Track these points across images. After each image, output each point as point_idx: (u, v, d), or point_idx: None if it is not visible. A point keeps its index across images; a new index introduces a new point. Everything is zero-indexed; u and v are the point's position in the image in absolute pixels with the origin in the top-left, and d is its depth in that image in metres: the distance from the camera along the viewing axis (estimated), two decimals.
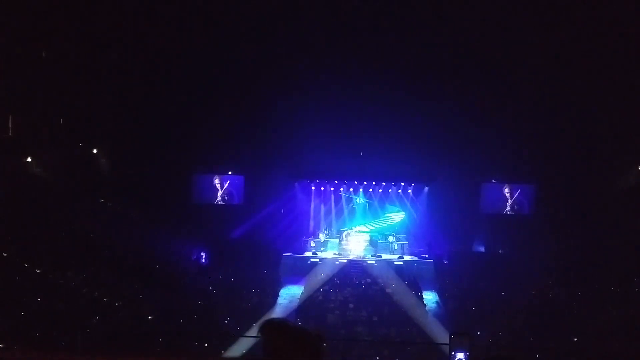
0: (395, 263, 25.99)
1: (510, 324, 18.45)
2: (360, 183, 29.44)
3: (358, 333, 18.49)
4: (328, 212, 29.74)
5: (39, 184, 22.76)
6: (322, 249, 27.75)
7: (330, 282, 23.16)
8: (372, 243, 27.92)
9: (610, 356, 14.37)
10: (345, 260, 25.98)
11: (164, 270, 21.92)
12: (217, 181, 28.67)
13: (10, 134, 22.68)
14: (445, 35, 23.98)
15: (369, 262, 26.04)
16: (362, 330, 18.73)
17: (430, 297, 23.07)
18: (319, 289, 22.28)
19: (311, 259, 26.27)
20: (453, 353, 9.87)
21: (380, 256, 26.79)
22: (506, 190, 28.04)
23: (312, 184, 29.52)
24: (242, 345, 15.17)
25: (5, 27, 20.46)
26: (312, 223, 29.65)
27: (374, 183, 29.45)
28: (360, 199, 29.60)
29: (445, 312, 21.23)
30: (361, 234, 28.41)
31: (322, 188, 29.64)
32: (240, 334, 16.36)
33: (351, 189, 29.64)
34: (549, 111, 25.04)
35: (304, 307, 20.74)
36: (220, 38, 24.36)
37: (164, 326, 17.13)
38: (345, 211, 29.67)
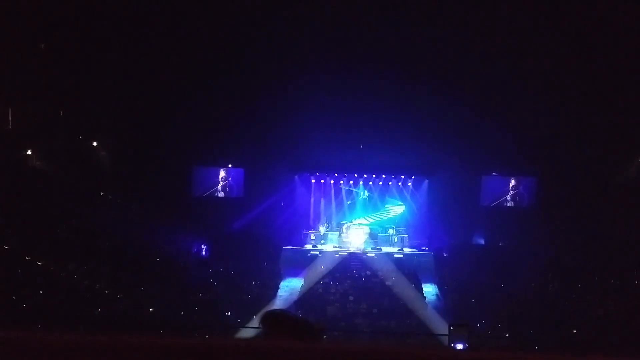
0: (395, 256, 26.03)
1: (509, 316, 18.50)
2: (361, 176, 29.43)
3: (358, 325, 18.55)
4: (328, 205, 29.75)
5: (39, 177, 22.77)
6: (322, 241, 27.78)
7: (330, 274, 23.21)
8: (372, 236, 27.96)
9: (609, 348, 14.42)
10: (345, 253, 26.04)
11: (164, 263, 21.96)
12: (221, 174, 28.71)
13: (10, 127, 22.67)
14: (445, 28, 23.91)
15: (369, 254, 26.09)
16: (362, 322, 18.79)
17: (430, 290, 23.14)
18: (319, 282, 22.34)
19: (311, 252, 26.33)
20: (452, 344, 9.92)
21: (380, 249, 26.85)
22: (511, 182, 28.06)
23: (312, 177, 29.51)
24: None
25: (5, 19, 20.40)
26: (312, 216, 29.67)
27: (374, 176, 29.44)
28: (364, 192, 29.60)
29: (444, 305, 21.29)
30: (361, 226, 28.45)
31: (322, 181, 29.64)
32: (241, 326, 16.42)
33: (351, 182, 29.64)
34: (550, 104, 25.00)
35: (304, 299, 20.80)
36: (221, 32, 24.29)
37: (164, 318, 17.19)
38: (345, 204, 29.68)
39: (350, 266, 24.61)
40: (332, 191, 29.72)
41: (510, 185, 28.09)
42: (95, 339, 1.60)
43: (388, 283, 22.20)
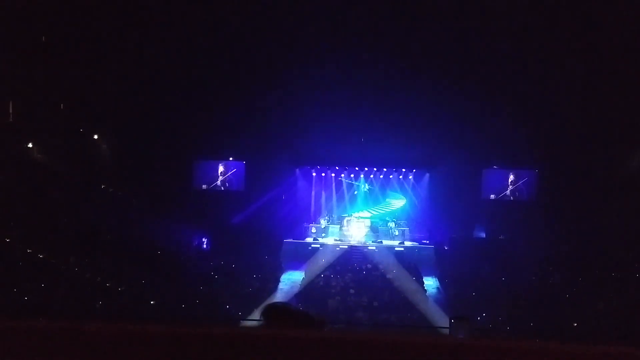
0: (396, 249, 26.05)
1: (510, 310, 18.53)
2: (362, 169, 29.45)
3: (359, 318, 18.58)
4: (329, 198, 29.78)
5: (40, 170, 22.79)
6: (323, 234, 27.81)
7: (331, 267, 23.23)
8: (373, 229, 27.99)
9: (609, 342, 14.44)
10: (346, 246, 26.07)
11: (165, 256, 22.00)
12: (222, 167, 28.72)
13: (11, 120, 22.66)
14: (446, 21, 23.83)
15: (369, 248, 26.11)
16: (362, 315, 18.82)
17: (430, 283, 23.16)
18: (320, 275, 22.37)
19: (312, 245, 26.35)
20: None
21: (381, 242, 26.87)
22: (512, 175, 28.05)
23: (313, 170, 29.54)
24: None
25: (6, 13, 20.36)
26: (313, 209, 29.70)
27: (375, 169, 29.46)
28: (364, 186, 29.62)
29: (445, 298, 21.32)
30: (362, 220, 28.47)
31: (323, 174, 29.66)
32: (242, 319, 16.45)
33: (352, 175, 29.66)
34: (551, 97, 24.95)
35: (305, 292, 20.83)
36: (221, 25, 24.22)
37: (165, 312, 17.23)
38: (346, 197, 29.71)
39: (351, 259, 24.63)
40: (333, 184, 29.75)
41: (511, 179, 28.06)
42: (98, 327, 1.61)
43: (389, 276, 22.22)
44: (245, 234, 25.59)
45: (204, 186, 28.68)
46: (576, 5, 22.26)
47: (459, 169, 27.14)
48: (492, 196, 28.10)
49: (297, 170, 29.31)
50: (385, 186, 29.79)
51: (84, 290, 17.16)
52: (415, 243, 27.42)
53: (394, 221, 28.51)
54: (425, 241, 27.44)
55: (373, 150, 27.93)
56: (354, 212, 29.18)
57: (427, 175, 29.07)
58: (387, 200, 29.84)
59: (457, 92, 25.31)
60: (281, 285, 22.25)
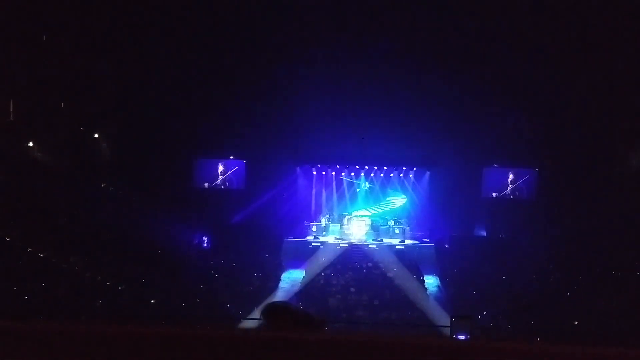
0: (397, 247, 26.05)
1: (510, 308, 18.52)
2: (362, 167, 29.45)
3: (359, 317, 18.59)
4: (329, 197, 29.76)
5: (40, 169, 22.79)
6: (324, 233, 27.80)
7: (331, 266, 23.24)
8: (374, 227, 27.98)
9: (610, 340, 14.44)
10: (347, 245, 26.06)
11: (166, 254, 21.99)
12: (223, 166, 28.74)
13: (12, 119, 22.67)
14: (448, 21, 23.83)
15: (370, 246, 26.11)
16: (363, 314, 18.82)
17: (431, 281, 23.16)
18: (320, 273, 22.37)
19: (313, 244, 26.34)
20: (454, 336, 9.94)
21: (382, 240, 26.87)
22: (513, 173, 28.05)
23: (314, 169, 29.52)
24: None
25: (7, 11, 20.36)
26: (313, 207, 29.69)
27: (375, 167, 29.45)
28: (365, 184, 29.62)
29: (446, 296, 21.32)
30: (362, 218, 28.46)
31: (324, 172, 29.64)
32: (242, 318, 16.45)
33: (352, 174, 29.65)
34: (552, 96, 24.94)
35: (306, 291, 20.83)
36: (221, 23, 24.23)
37: (166, 310, 17.23)
38: (347, 196, 29.70)
39: (352, 258, 24.63)
40: (334, 183, 29.74)
41: (511, 178, 28.06)
42: (97, 328, 1.61)
43: (389, 275, 22.23)
44: (246, 233, 25.62)
45: (205, 185, 28.70)
46: (577, 5, 22.24)
47: (459, 167, 27.16)
48: (493, 195, 28.10)
49: (298, 168, 29.30)
50: (385, 185, 29.78)
51: (84, 290, 17.16)
52: (415, 241, 27.43)
53: (394, 220, 28.49)
54: (425, 239, 27.44)
55: (373, 148, 27.92)
56: (354, 211, 29.16)
57: (428, 173, 29.05)
58: (388, 198, 29.82)
59: (457, 90, 25.32)
60: (282, 284, 22.25)
